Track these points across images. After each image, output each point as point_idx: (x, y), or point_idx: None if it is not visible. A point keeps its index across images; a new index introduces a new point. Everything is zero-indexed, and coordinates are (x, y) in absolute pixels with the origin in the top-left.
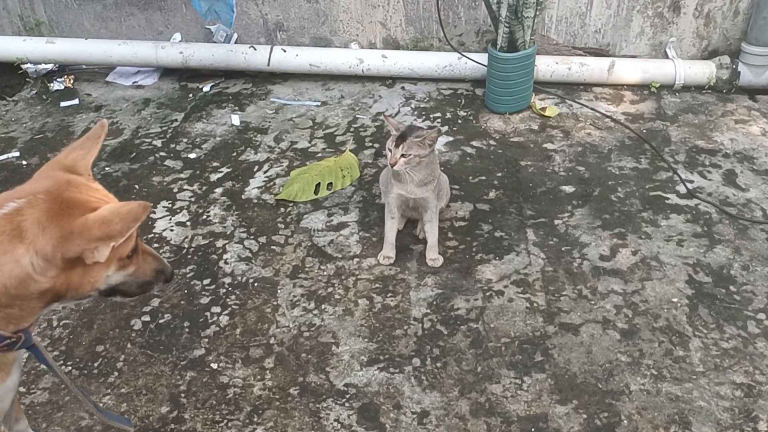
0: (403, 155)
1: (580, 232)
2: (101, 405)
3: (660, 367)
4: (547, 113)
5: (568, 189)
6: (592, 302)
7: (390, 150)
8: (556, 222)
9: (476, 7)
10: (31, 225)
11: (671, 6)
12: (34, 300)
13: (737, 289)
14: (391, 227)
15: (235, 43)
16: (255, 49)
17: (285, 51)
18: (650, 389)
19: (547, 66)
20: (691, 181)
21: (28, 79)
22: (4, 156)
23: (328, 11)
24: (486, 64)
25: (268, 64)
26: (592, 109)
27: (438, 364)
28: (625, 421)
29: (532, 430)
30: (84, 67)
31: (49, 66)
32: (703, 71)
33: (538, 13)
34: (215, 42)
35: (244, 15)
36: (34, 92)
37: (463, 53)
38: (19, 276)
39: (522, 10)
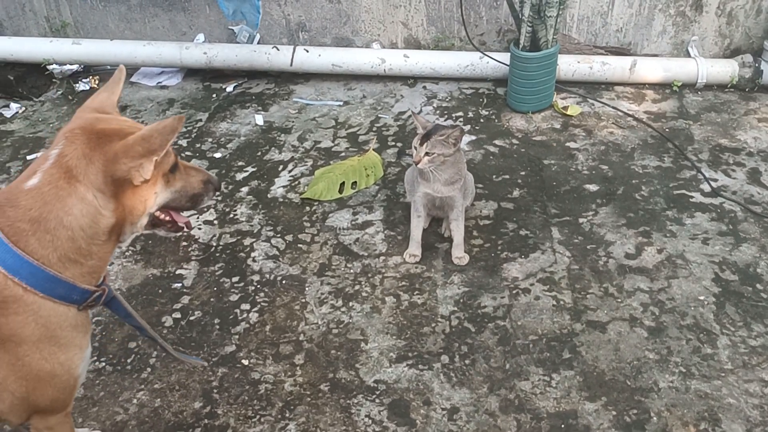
0: (427, 153)
1: (605, 230)
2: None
3: (688, 365)
4: (569, 112)
5: (592, 188)
6: (619, 300)
7: (415, 148)
8: (581, 220)
9: (498, 6)
10: (77, 161)
11: (693, 5)
12: (105, 243)
13: (764, 287)
14: (418, 225)
15: (258, 43)
16: (278, 50)
17: (308, 51)
18: (679, 386)
19: (568, 65)
20: (715, 180)
21: (54, 80)
22: (33, 156)
23: (350, 11)
24: (508, 63)
25: (291, 65)
26: (614, 108)
27: (466, 361)
28: (655, 418)
29: (562, 426)
30: (108, 67)
31: (74, 67)
32: (726, 70)
33: (560, 12)
34: (238, 42)
35: (266, 16)
36: (59, 93)
37: (486, 53)
38: (90, 213)
39: (545, 10)
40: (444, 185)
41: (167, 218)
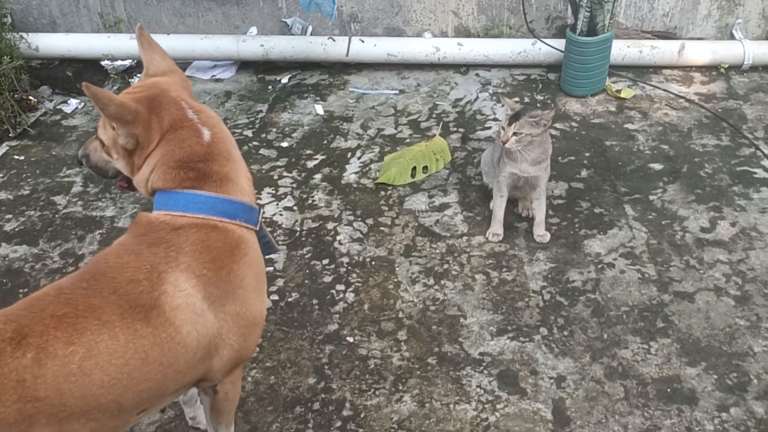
0: (515, 134)
1: (677, 206)
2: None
3: None
4: (622, 95)
5: (657, 166)
6: (701, 271)
7: (503, 128)
8: (651, 197)
9: None
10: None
11: None
12: None
13: None
14: (501, 205)
15: (311, 35)
16: (334, 41)
17: (363, 41)
18: None
19: (618, 49)
20: None
21: (114, 75)
22: None
23: (403, 2)
24: (561, 48)
25: (347, 55)
26: (664, 90)
27: (565, 333)
28: (755, 380)
29: (668, 390)
30: None
31: (127, 62)
32: None
33: None
34: (293, 35)
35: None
36: (116, 88)
37: (541, 39)
38: None
39: None
40: (531, 165)
41: None
